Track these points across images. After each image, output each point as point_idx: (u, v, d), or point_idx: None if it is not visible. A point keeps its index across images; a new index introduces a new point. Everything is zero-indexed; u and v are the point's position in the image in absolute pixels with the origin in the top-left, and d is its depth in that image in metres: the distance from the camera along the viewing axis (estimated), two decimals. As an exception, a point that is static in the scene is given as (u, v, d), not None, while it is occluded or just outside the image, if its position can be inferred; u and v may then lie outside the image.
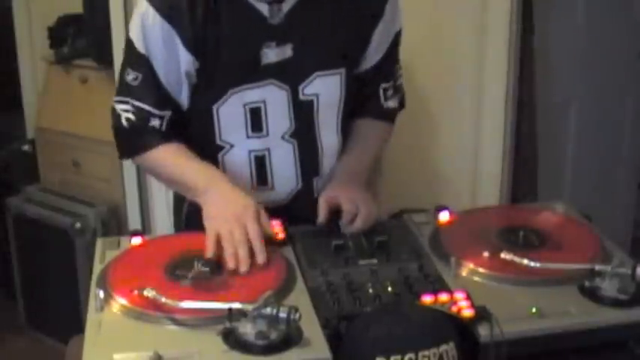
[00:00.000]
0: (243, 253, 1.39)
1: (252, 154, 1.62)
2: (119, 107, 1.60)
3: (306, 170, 1.66)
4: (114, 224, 3.06)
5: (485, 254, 1.41)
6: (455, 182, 2.73)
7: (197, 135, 1.63)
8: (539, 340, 1.22)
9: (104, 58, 2.99)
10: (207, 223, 1.47)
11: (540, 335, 1.22)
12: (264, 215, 1.47)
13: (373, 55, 1.68)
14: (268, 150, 1.62)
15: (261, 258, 1.40)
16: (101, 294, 1.27)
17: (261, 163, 1.63)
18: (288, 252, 1.46)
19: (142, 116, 1.57)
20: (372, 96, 1.73)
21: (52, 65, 3.18)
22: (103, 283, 1.32)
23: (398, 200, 2.03)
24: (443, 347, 1.13)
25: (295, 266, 1.41)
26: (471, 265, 1.39)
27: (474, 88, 2.63)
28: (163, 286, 1.27)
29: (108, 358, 1.13)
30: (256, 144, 1.62)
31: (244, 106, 1.58)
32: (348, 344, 1.16)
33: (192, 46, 1.52)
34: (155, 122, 1.58)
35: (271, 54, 1.55)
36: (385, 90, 1.73)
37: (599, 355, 1.27)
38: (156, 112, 1.57)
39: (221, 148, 1.62)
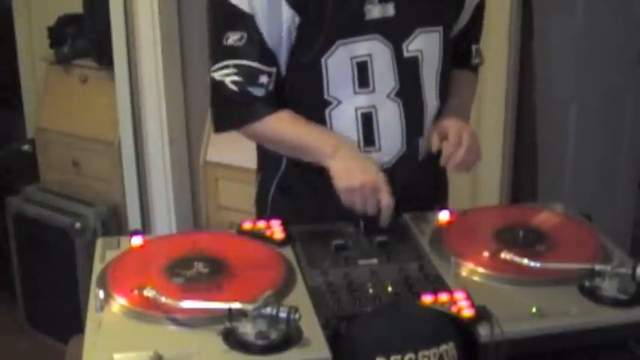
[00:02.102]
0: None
1: (359, 112, 1.64)
2: (220, 74, 1.60)
3: (412, 131, 1.68)
4: (114, 224, 3.06)
5: (485, 254, 1.41)
6: (455, 182, 2.73)
7: (305, 91, 1.64)
8: (539, 340, 1.22)
9: (104, 58, 2.99)
10: (341, 190, 1.54)
11: (540, 335, 1.22)
12: (386, 182, 1.53)
13: (464, 17, 1.76)
14: (374, 108, 1.64)
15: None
16: (101, 294, 1.27)
17: (367, 122, 1.64)
18: (288, 252, 1.46)
19: (249, 73, 1.58)
20: (464, 55, 1.82)
21: (52, 65, 3.19)
22: (103, 283, 1.32)
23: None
24: (443, 347, 1.13)
25: (295, 266, 1.41)
26: (471, 265, 1.39)
27: (474, 88, 2.63)
28: (163, 286, 1.27)
29: (108, 358, 1.13)
30: (363, 101, 1.63)
31: (351, 59, 1.60)
32: (348, 344, 1.16)
33: (295, 2, 1.55)
34: (264, 79, 1.59)
35: (374, 10, 1.59)
36: (476, 50, 1.84)
37: (599, 355, 1.27)
38: (264, 68, 1.59)
39: (328, 103, 1.63)
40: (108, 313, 1.25)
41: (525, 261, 1.36)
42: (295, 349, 1.14)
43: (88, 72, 3.09)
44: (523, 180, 2.76)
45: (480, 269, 1.38)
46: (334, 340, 1.17)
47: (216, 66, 1.60)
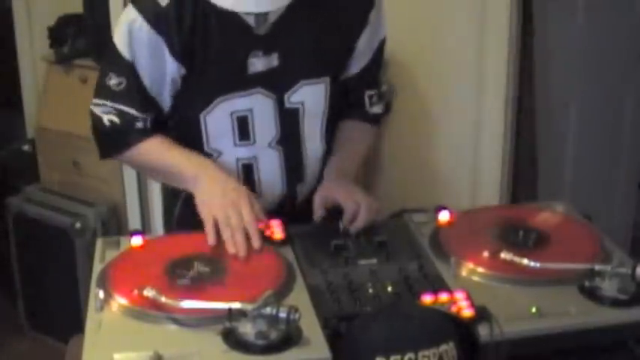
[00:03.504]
0: (240, 238, 1.43)
1: (240, 163, 1.64)
2: (99, 110, 1.60)
3: (291, 177, 1.68)
4: (114, 224, 3.06)
5: (485, 254, 1.41)
6: (455, 182, 2.73)
7: (185, 142, 1.63)
8: (539, 340, 1.22)
9: (104, 58, 2.99)
10: (202, 209, 1.50)
11: (540, 335, 1.22)
12: (255, 200, 1.51)
13: (357, 63, 1.70)
14: (255, 158, 1.64)
15: (256, 243, 1.44)
16: (101, 294, 1.27)
17: (248, 171, 1.64)
18: (288, 252, 1.46)
19: (127, 119, 1.59)
20: (357, 103, 1.76)
21: (52, 65, 3.18)
22: (103, 283, 1.33)
23: (398, 200, 2.03)
24: (443, 347, 1.13)
25: (295, 266, 1.41)
26: (471, 265, 1.39)
27: (473, 88, 2.63)
28: (163, 286, 1.27)
29: (108, 358, 1.13)
30: (244, 152, 1.63)
31: (231, 114, 1.59)
32: (348, 344, 1.16)
33: (180, 54, 1.54)
34: (139, 124, 1.59)
35: (258, 63, 1.57)
36: (370, 97, 1.76)
37: (599, 355, 1.27)
38: (139, 115, 1.59)
39: (209, 155, 1.63)
40: (108, 313, 1.25)
41: (525, 261, 1.36)
42: (295, 349, 1.15)
43: (88, 72, 3.08)
44: (523, 180, 2.76)
45: (480, 269, 1.38)
46: (334, 340, 1.17)
47: (96, 101, 1.61)
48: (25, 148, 3.38)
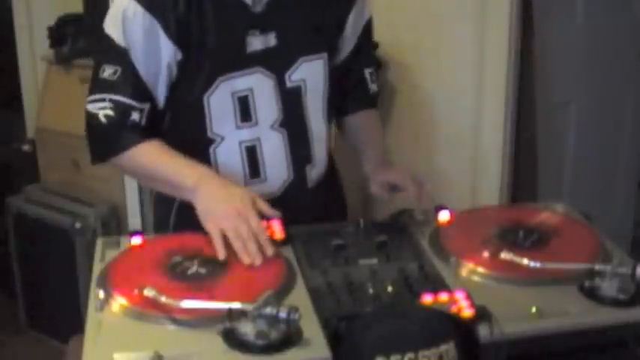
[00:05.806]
0: (253, 248, 1.39)
1: (243, 145, 1.63)
2: (94, 106, 1.58)
3: (298, 159, 1.68)
4: (114, 224, 3.06)
5: (485, 254, 1.41)
6: (455, 182, 2.73)
7: (188, 130, 1.62)
8: (539, 340, 1.22)
9: (104, 58, 2.99)
10: (207, 222, 1.45)
11: (540, 335, 1.22)
12: (260, 201, 1.47)
13: (349, 41, 1.74)
14: (259, 140, 1.63)
15: (269, 251, 1.41)
16: (101, 294, 1.27)
17: (252, 155, 1.63)
18: (288, 252, 1.46)
19: (122, 110, 1.55)
20: (359, 82, 1.80)
21: (52, 65, 3.18)
22: (103, 283, 1.33)
23: (398, 200, 2.03)
24: (443, 347, 1.13)
25: (295, 266, 1.41)
26: (471, 265, 1.39)
27: (474, 88, 2.63)
28: (163, 286, 1.27)
29: (108, 358, 1.13)
30: (246, 134, 1.62)
31: (232, 94, 1.59)
32: (348, 344, 1.16)
33: (176, 36, 1.53)
34: (135, 115, 1.56)
35: (256, 42, 1.58)
36: (371, 74, 1.82)
37: (599, 355, 1.27)
38: (136, 104, 1.56)
39: (212, 141, 1.62)
40: (108, 313, 1.25)
41: (525, 261, 1.36)
42: (295, 349, 1.15)
43: (88, 72, 3.06)
44: (523, 180, 2.76)
45: (480, 269, 1.38)
46: (334, 340, 1.17)
47: (91, 97, 1.59)
48: (25, 148, 3.38)
